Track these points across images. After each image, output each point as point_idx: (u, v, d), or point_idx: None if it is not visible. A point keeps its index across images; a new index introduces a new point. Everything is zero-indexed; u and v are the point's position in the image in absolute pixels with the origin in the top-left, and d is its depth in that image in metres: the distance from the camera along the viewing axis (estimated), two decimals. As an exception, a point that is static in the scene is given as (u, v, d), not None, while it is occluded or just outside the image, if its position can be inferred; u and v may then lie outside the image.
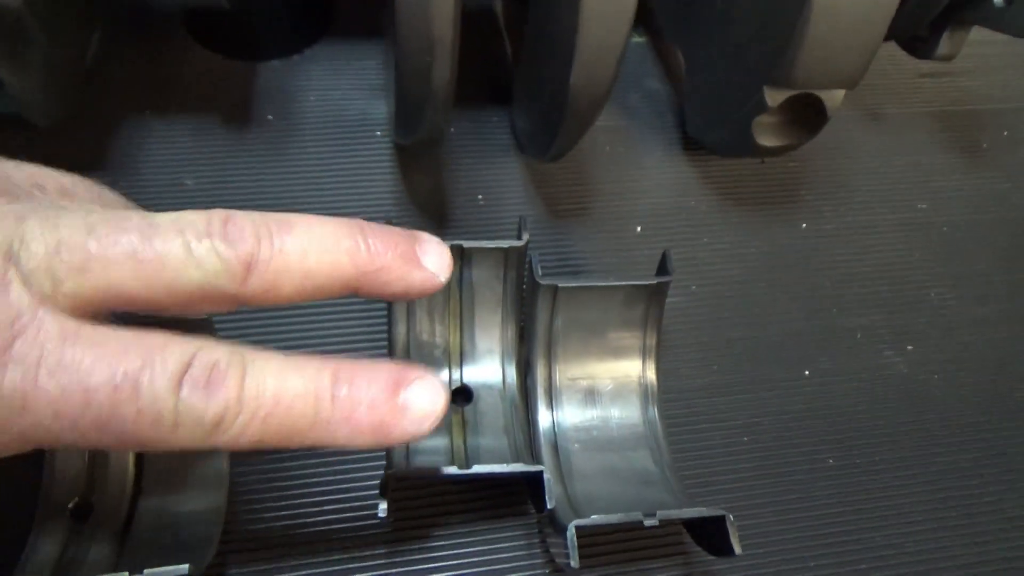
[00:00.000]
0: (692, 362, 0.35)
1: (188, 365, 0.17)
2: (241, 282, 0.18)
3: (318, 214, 0.36)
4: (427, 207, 0.37)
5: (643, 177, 0.40)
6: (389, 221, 0.31)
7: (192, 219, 0.18)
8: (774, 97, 0.32)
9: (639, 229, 0.38)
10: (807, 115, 0.34)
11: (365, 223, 0.21)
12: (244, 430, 0.18)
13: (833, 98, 0.32)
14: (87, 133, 0.36)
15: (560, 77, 0.30)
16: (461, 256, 0.30)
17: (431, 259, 0.21)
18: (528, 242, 0.29)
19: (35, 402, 0.16)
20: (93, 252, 0.17)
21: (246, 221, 0.19)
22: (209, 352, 0.18)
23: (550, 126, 0.32)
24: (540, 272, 0.29)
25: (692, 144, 0.41)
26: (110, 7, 0.37)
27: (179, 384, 0.17)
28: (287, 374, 0.18)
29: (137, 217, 0.18)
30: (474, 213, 0.38)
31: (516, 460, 0.28)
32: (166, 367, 0.17)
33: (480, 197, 0.38)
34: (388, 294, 0.21)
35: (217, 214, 0.19)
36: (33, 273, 0.17)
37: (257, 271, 0.18)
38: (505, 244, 0.29)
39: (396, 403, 0.19)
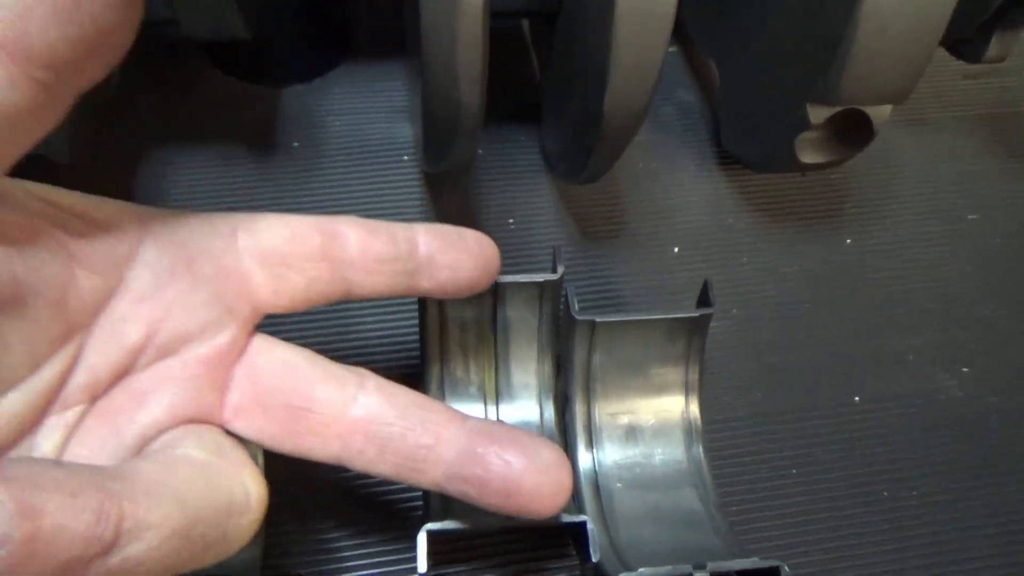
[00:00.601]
0: (734, 390, 0.34)
1: None
2: None
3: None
4: (456, 233, 0.36)
5: (678, 194, 0.39)
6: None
7: None
8: (817, 114, 0.31)
9: (676, 250, 0.37)
10: (852, 130, 0.32)
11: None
12: None
13: (880, 113, 0.31)
14: (110, 167, 0.36)
15: (592, 100, 0.28)
16: (495, 291, 0.28)
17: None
18: (563, 274, 0.28)
19: None
20: None
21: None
22: None
23: (582, 149, 0.31)
24: (577, 307, 0.28)
25: (728, 158, 0.40)
26: (136, 43, 0.36)
27: None
28: None
29: None
30: (505, 237, 0.37)
31: (557, 505, 0.26)
32: None
33: (511, 220, 0.37)
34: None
35: None
36: None
37: None
38: (540, 278, 0.28)
39: None
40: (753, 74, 0.35)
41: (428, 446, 0.21)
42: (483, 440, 0.21)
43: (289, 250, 0.22)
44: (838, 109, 0.30)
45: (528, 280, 0.28)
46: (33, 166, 0.33)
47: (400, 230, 0.23)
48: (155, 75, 0.39)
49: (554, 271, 0.29)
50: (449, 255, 0.23)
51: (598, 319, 0.28)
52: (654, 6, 0.25)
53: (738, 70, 0.37)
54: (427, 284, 0.23)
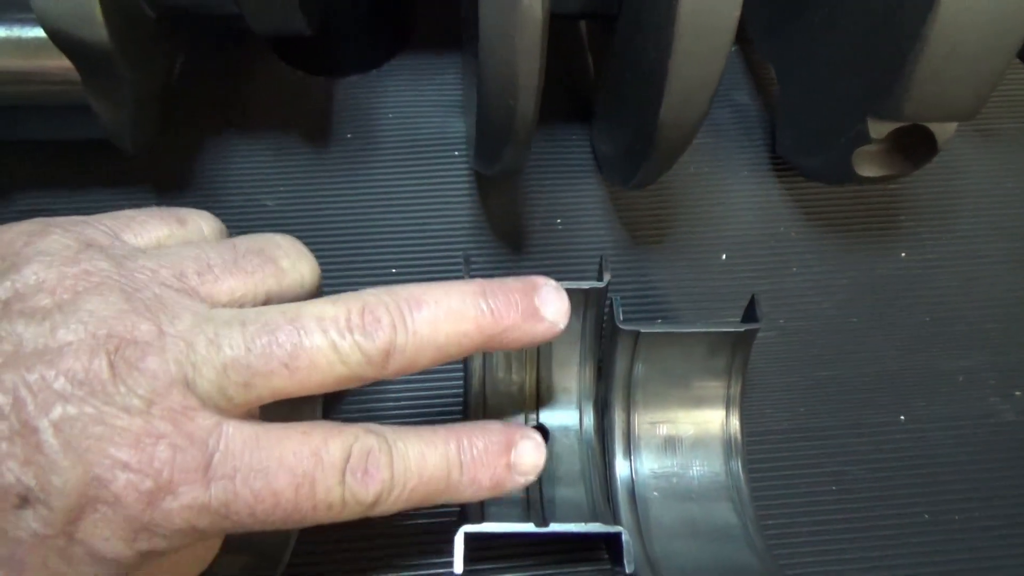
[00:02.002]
0: (777, 403, 0.34)
1: (348, 457, 0.21)
2: (381, 368, 0.21)
3: (396, 235, 0.36)
4: (505, 231, 0.37)
5: (729, 200, 0.38)
6: (467, 258, 0.30)
7: (333, 314, 0.21)
8: (879, 129, 0.30)
9: (724, 257, 0.37)
10: (914, 145, 0.31)
11: (486, 284, 0.23)
12: (395, 503, 0.22)
13: (945, 131, 0.30)
14: (171, 154, 0.37)
15: (648, 108, 0.28)
16: (540, 296, 0.29)
17: (550, 309, 0.23)
18: (609, 282, 0.28)
19: (236, 508, 0.19)
20: (256, 369, 0.20)
21: (381, 309, 0.21)
22: (362, 442, 0.21)
23: (635, 155, 0.31)
24: (622, 316, 0.28)
25: (782, 164, 0.39)
26: (193, 31, 0.37)
27: (343, 475, 0.21)
28: (425, 451, 0.22)
29: (281, 317, 0.21)
30: (552, 237, 0.37)
31: (593, 511, 0.27)
32: (333, 462, 0.20)
33: (559, 221, 0.37)
34: (511, 347, 0.24)
35: (354, 305, 0.21)
36: (209, 394, 0.20)
37: (395, 357, 0.21)
38: (586, 285, 0.28)
39: (508, 461, 0.23)
40: (814, 83, 0.34)
41: None
42: None
43: None
44: (901, 125, 0.30)
45: (575, 287, 0.28)
46: (100, 152, 0.34)
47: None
48: (215, 63, 0.40)
49: (600, 279, 0.29)
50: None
51: (642, 330, 0.28)
52: (716, 17, 0.25)
53: (798, 78, 0.36)
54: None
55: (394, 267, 0.36)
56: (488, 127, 0.27)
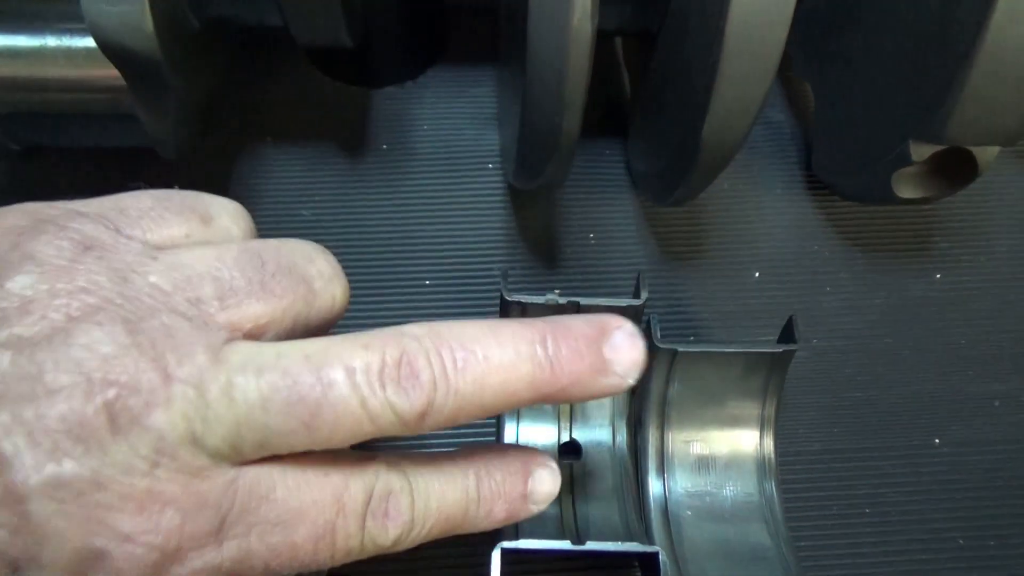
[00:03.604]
0: (811, 423, 0.33)
1: (369, 500, 0.19)
2: (413, 429, 0.19)
3: (430, 247, 0.36)
4: (538, 245, 0.37)
5: (763, 217, 0.38)
6: (505, 274, 0.30)
7: (365, 362, 0.18)
8: (920, 152, 0.30)
9: (757, 275, 0.37)
10: (955, 168, 0.31)
11: (548, 327, 0.20)
12: (412, 542, 0.21)
13: (987, 154, 0.30)
14: (211, 162, 0.37)
15: (689, 128, 0.28)
16: (577, 312, 0.29)
17: (622, 361, 0.20)
18: (647, 300, 0.28)
19: (251, 564, 0.18)
20: (272, 429, 0.18)
21: (421, 360, 0.18)
22: (384, 481, 0.20)
23: (673, 173, 0.31)
24: (660, 335, 0.28)
25: (816, 182, 0.39)
26: (235, 41, 0.37)
27: (363, 520, 0.19)
28: (445, 489, 0.21)
29: (305, 365, 0.18)
30: (585, 252, 0.37)
31: (627, 530, 0.27)
32: (355, 508, 0.19)
33: (592, 236, 0.37)
34: (569, 402, 0.24)
35: (391, 352, 0.18)
36: (219, 451, 0.17)
37: (431, 417, 0.19)
38: (623, 303, 0.28)
39: (525, 492, 0.22)
40: (853, 103, 0.34)
41: None
42: None
43: None
44: (942, 148, 0.29)
45: (612, 304, 0.28)
46: (143, 160, 0.35)
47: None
48: (255, 73, 0.40)
49: (637, 296, 0.29)
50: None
51: (680, 348, 0.28)
52: (764, 38, 0.25)
53: (837, 97, 0.36)
54: None
55: (428, 279, 0.36)
56: (532, 142, 0.27)
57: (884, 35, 0.31)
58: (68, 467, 0.16)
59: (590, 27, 0.23)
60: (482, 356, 0.19)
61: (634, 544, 0.24)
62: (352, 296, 0.30)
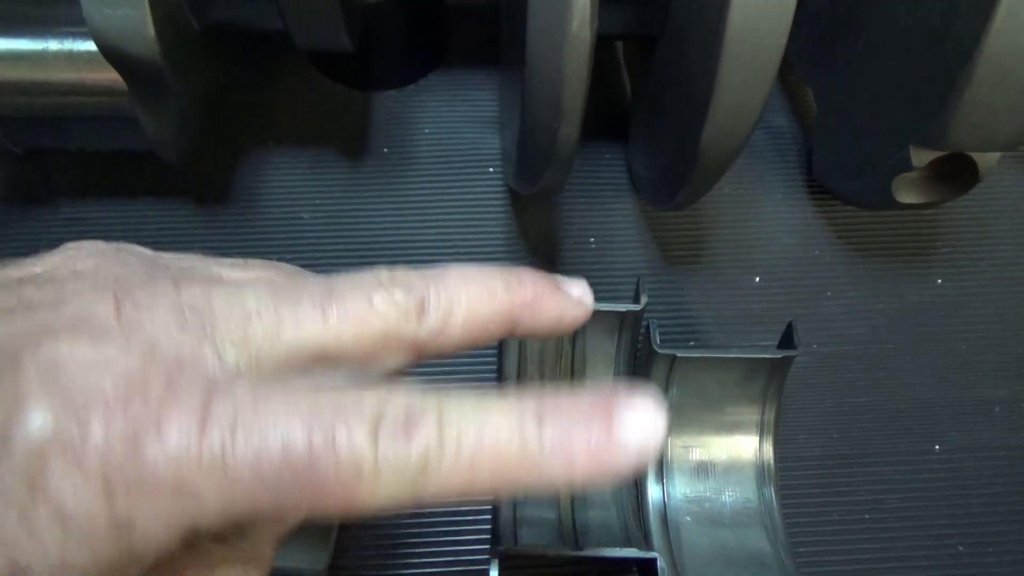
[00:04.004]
0: (810, 428, 0.33)
1: (382, 413, 0.17)
2: (417, 323, 0.19)
3: (430, 251, 0.36)
4: (538, 248, 0.37)
5: (763, 222, 0.38)
6: None
7: (364, 277, 0.19)
8: (921, 157, 0.30)
9: (758, 279, 0.37)
10: (955, 174, 0.31)
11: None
12: (450, 475, 0.17)
13: (988, 160, 0.30)
14: (211, 165, 0.37)
15: (690, 131, 0.28)
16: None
17: (576, 288, 0.22)
18: (646, 305, 0.28)
19: (235, 466, 0.16)
20: (283, 320, 0.18)
21: (410, 273, 0.20)
22: (401, 397, 0.17)
23: (674, 177, 0.31)
24: (659, 340, 0.28)
25: (816, 187, 0.39)
26: (235, 44, 0.38)
27: (376, 433, 0.17)
28: (487, 411, 0.17)
29: (314, 281, 0.19)
30: (585, 256, 0.37)
31: (626, 535, 0.27)
32: (362, 418, 0.17)
33: (592, 240, 0.37)
34: (543, 326, 0.21)
35: (382, 270, 0.20)
36: (225, 345, 0.17)
37: (429, 311, 0.19)
38: (623, 308, 0.28)
39: (612, 433, 0.17)
40: (854, 108, 0.34)
41: None
42: None
43: None
44: (943, 153, 0.29)
45: (611, 309, 0.28)
46: (144, 163, 0.35)
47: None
48: (255, 76, 0.40)
49: (636, 301, 0.29)
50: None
51: (679, 354, 0.28)
52: (764, 43, 0.25)
53: (838, 102, 0.36)
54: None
55: (428, 282, 0.36)
56: (531, 148, 0.27)
57: (885, 41, 0.31)
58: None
59: (589, 33, 0.23)
60: (460, 272, 0.20)
61: (633, 550, 0.24)
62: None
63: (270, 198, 0.37)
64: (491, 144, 0.40)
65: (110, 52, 0.27)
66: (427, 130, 0.40)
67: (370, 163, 0.39)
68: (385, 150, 0.39)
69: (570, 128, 0.25)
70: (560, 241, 0.37)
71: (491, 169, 0.39)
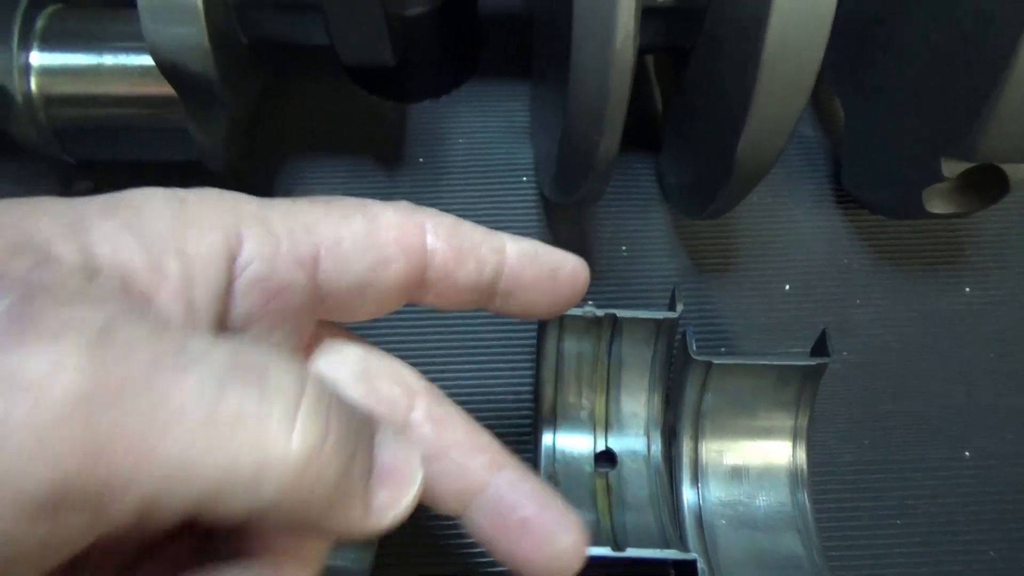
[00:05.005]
0: (841, 434, 0.34)
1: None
2: None
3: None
4: (570, 256, 0.38)
5: (792, 231, 0.39)
6: None
7: None
8: (951, 168, 0.30)
9: (788, 287, 0.37)
10: (986, 184, 0.31)
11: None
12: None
13: (1019, 171, 0.30)
14: (252, 174, 0.38)
15: (724, 142, 0.29)
16: (613, 324, 0.29)
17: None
18: (682, 313, 0.29)
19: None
20: None
21: None
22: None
23: (707, 187, 0.32)
24: (695, 347, 0.28)
25: (845, 196, 0.39)
26: (278, 55, 0.39)
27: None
28: None
29: None
30: (618, 264, 0.38)
31: (663, 537, 0.27)
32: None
33: (623, 248, 0.38)
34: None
35: None
36: None
37: None
38: (659, 315, 0.29)
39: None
40: (884, 119, 0.35)
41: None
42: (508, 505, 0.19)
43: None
44: (974, 164, 0.30)
45: (648, 316, 0.29)
46: (190, 172, 0.36)
47: (489, 259, 0.21)
48: (294, 86, 0.41)
49: (672, 309, 0.29)
50: (534, 295, 0.21)
51: (715, 360, 0.29)
52: (798, 61, 0.26)
53: (867, 113, 0.36)
54: (499, 309, 0.22)
55: (464, 289, 0.36)
56: (571, 160, 0.28)
57: (916, 53, 0.32)
58: None
59: (632, 50, 0.24)
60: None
61: (673, 551, 0.25)
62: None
63: (310, 206, 0.38)
64: (524, 154, 0.40)
65: (166, 67, 0.28)
66: (461, 140, 0.41)
67: (406, 172, 0.40)
68: (421, 159, 0.40)
69: (611, 141, 0.26)
70: (593, 249, 0.38)
71: (524, 178, 0.40)
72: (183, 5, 0.26)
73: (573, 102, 0.25)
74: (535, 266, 0.22)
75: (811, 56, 0.25)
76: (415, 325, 0.35)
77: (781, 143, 0.28)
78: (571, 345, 0.30)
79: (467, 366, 0.35)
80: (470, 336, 0.35)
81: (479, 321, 0.36)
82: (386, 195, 0.39)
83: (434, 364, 0.35)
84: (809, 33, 0.25)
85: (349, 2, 0.28)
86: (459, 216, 0.38)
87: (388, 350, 0.25)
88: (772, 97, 0.26)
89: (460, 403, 0.34)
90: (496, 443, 0.21)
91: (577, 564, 0.19)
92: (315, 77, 0.42)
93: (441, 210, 0.39)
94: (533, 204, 0.39)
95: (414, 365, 0.29)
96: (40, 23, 0.31)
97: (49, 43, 0.31)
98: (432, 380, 0.34)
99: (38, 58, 0.30)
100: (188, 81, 0.29)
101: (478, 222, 0.38)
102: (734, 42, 0.28)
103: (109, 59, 0.31)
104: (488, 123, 0.41)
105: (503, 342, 0.35)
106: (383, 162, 0.40)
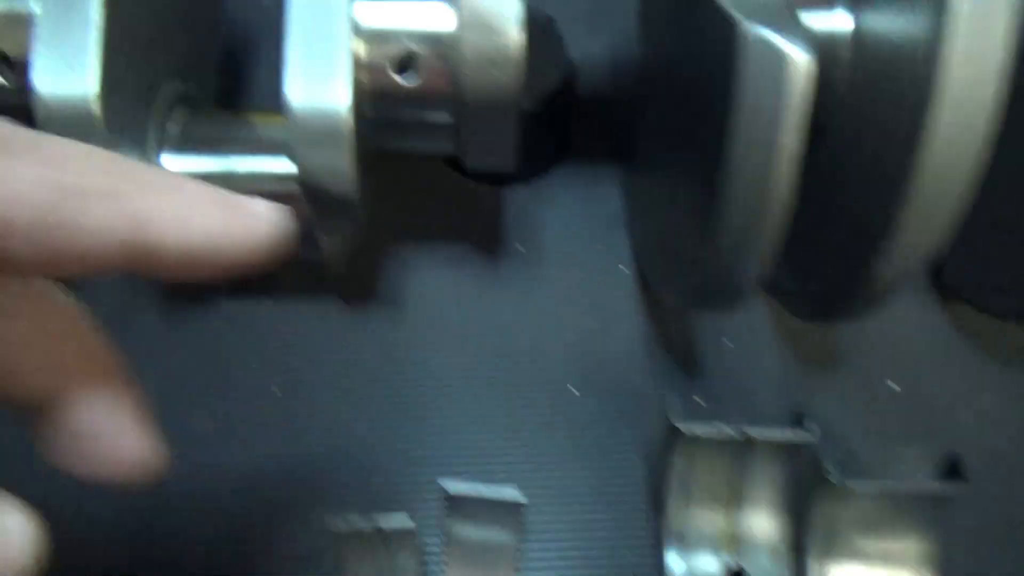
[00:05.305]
0: (967, 549, 0.33)
1: None
2: None
3: (563, 355, 0.37)
4: (673, 350, 0.37)
5: (894, 328, 0.39)
6: (673, 403, 0.30)
7: None
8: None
9: (894, 386, 0.37)
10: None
11: None
12: None
13: None
14: (358, 267, 0.38)
15: (860, 257, 0.29)
16: (745, 443, 0.29)
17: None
18: (818, 437, 0.29)
19: None
20: None
21: None
22: None
23: (831, 296, 0.31)
24: (834, 473, 0.28)
25: (948, 291, 0.39)
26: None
27: None
28: None
29: None
30: (721, 359, 0.37)
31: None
32: None
33: (726, 339, 0.38)
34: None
35: None
36: None
37: None
38: (795, 438, 0.29)
39: None
40: (998, 224, 0.34)
41: None
42: None
43: None
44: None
45: (786, 439, 0.29)
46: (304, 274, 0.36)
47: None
48: (392, 173, 0.41)
49: (805, 430, 0.29)
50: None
51: (853, 486, 0.28)
52: (960, 168, 0.25)
53: (979, 214, 0.36)
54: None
55: (571, 384, 0.36)
56: (720, 273, 0.28)
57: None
58: None
59: (797, 147, 0.24)
60: None
61: None
62: (495, 402, 0.31)
63: (413, 301, 0.38)
64: (619, 241, 0.40)
65: (310, 188, 0.28)
66: (557, 225, 0.41)
67: (504, 261, 0.39)
68: (518, 246, 0.40)
69: (766, 253, 0.26)
70: (694, 342, 0.38)
71: (621, 266, 0.40)
72: (335, 134, 0.26)
73: (729, 208, 0.25)
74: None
75: (971, 165, 0.25)
76: (520, 424, 0.35)
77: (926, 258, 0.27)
78: (701, 462, 0.30)
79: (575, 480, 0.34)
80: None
81: (586, 416, 0.35)
82: (486, 284, 0.39)
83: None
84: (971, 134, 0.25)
85: (488, 120, 0.28)
86: (560, 307, 0.38)
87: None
88: (925, 216, 0.26)
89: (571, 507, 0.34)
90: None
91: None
92: (409, 160, 0.42)
93: (543, 301, 0.39)
94: (631, 294, 0.39)
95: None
96: (171, 128, 0.31)
97: (181, 148, 0.31)
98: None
99: (171, 163, 0.31)
100: (327, 198, 0.29)
101: (576, 314, 0.38)
102: (873, 158, 0.28)
103: (237, 163, 0.31)
104: (582, 208, 0.41)
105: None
106: (482, 250, 0.40)
